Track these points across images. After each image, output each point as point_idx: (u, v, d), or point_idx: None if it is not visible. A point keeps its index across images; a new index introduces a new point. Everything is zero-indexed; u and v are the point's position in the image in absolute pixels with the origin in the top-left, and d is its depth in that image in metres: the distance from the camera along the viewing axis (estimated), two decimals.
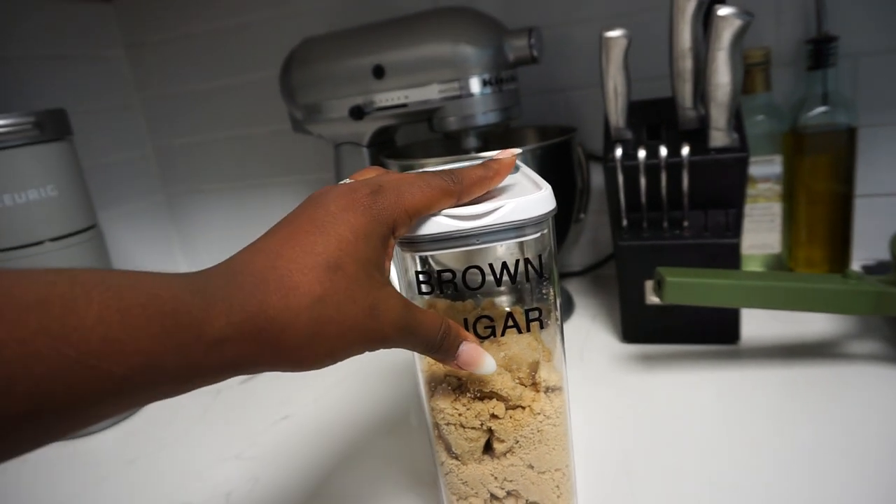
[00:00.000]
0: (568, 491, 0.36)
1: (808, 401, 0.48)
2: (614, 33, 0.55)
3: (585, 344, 0.62)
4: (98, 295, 0.20)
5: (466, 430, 0.33)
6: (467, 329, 0.32)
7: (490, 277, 0.32)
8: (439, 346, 0.29)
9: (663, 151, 0.55)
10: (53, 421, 0.19)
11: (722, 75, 0.52)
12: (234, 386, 0.65)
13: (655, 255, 0.56)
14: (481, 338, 0.33)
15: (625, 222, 0.59)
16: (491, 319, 0.33)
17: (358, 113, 0.65)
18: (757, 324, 0.59)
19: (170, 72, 0.94)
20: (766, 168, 0.66)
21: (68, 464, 0.56)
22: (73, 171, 0.60)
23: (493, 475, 0.34)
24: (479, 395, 0.33)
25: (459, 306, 0.35)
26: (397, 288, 0.31)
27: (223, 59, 0.91)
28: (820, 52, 0.61)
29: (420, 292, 0.33)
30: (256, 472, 0.50)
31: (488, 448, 0.34)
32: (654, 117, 0.60)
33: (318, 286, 0.25)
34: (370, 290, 0.26)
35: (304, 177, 0.93)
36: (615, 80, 0.57)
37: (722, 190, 0.56)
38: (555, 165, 0.64)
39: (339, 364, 0.27)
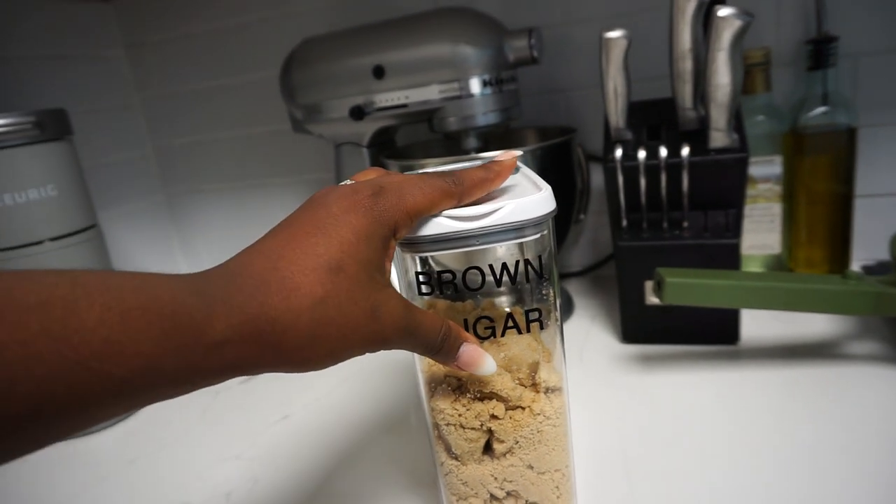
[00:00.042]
0: (568, 491, 0.36)
1: (808, 401, 0.48)
2: (614, 34, 0.55)
3: (585, 344, 0.62)
4: (99, 297, 0.20)
5: (466, 430, 0.33)
6: (467, 330, 0.32)
7: (490, 278, 0.32)
8: (440, 348, 0.30)
9: (663, 152, 0.55)
10: (54, 422, 0.19)
11: (722, 76, 0.52)
12: (234, 386, 0.65)
13: (655, 255, 0.56)
14: (481, 338, 0.33)
15: (625, 223, 0.59)
16: (491, 320, 0.33)
17: (358, 113, 0.65)
18: (757, 324, 0.59)
19: (170, 72, 0.94)
20: (765, 168, 0.66)
21: (68, 464, 0.56)
22: (73, 170, 0.60)
23: (492, 476, 0.34)
24: (478, 395, 0.33)
25: (459, 307, 0.35)
26: (397, 288, 0.31)
27: (223, 59, 0.91)
28: (820, 52, 0.61)
29: (420, 293, 0.33)
30: (256, 472, 0.50)
31: (488, 448, 0.34)
32: (654, 118, 0.60)
33: (319, 287, 0.25)
34: (371, 292, 0.26)
35: (304, 177, 0.93)
36: (615, 81, 0.57)
37: (722, 190, 0.56)
38: (555, 166, 0.64)
39: (340, 364, 0.27)
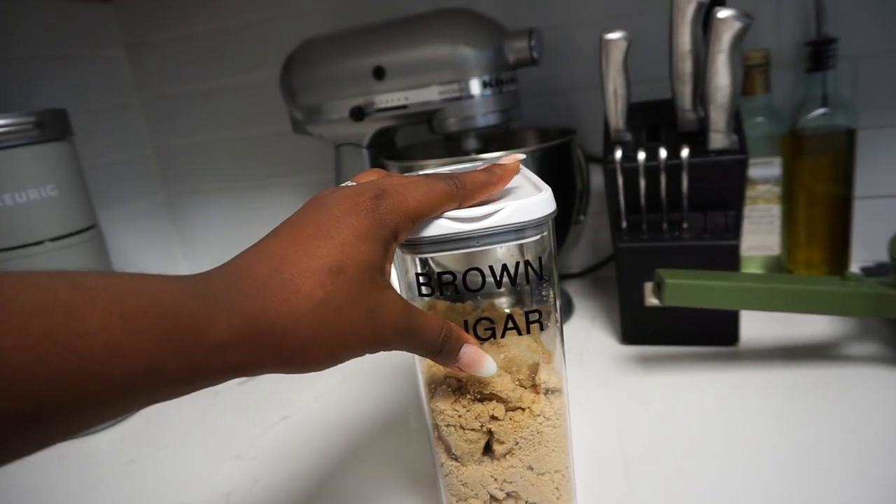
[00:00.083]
0: (567, 492, 0.36)
1: (808, 402, 0.48)
2: (614, 35, 0.55)
3: (585, 345, 0.62)
4: (101, 300, 0.20)
5: (466, 431, 0.33)
6: (467, 331, 0.32)
7: (490, 279, 0.32)
8: (440, 350, 0.30)
9: (663, 153, 0.55)
10: (54, 423, 0.19)
11: (721, 77, 0.52)
12: (234, 387, 0.65)
13: (655, 256, 0.56)
14: (481, 339, 0.33)
15: (624, 224, 0.59)
16: (491, 321, 0.33)
17: (358, 114, 0.66)
18: (756, 325, 0.59)
19: (170, 72, 0.94)
20: (765, 170, 0.66)
21: (67, 464, 0.56)
22: (73, 171, 0.60)
23: (492, 477, 0.34)
24: (478, 396, 0.33)
25: (459, 308, 0.35)
26: (397, 289, 0.31)
27: (223, 59, 0.91)
28: (819, 53, 0.61)
29: (420, 294, 0.33)
30: (256, 472, 0.50)
31: (488, 449, 0.34)
32: (653, 119, 0.60)
33: (320, 290, 0.25)
34: (371, 294, 0.26)
35: (304, 177, 0.93)
36: (615, 82, 0.57)
37: (721, 192, 0.56)
38: (554, 167, 0.64)
39: (340, 365, 0.27)
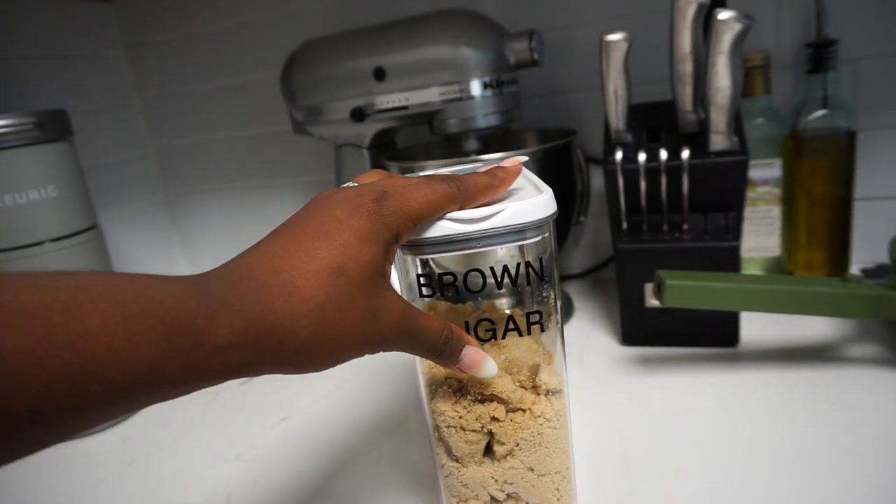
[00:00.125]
0: (568, 493, 0.36)
1: (808, 404, 0.48)
2: (615, 36, 0.55)
3: (585, 346, 0.62)
4: (102, 302, 0.20)
5: (467, 432, 0.33)
6: (468, 332, 0.32)
7: (491, 280, 0.32)
8: (441, 351, 0.30)
9: (663, 154, 0.55)
10: (54, 424, 0.19)
11: (722, 79, 0.52)
12: (234, 387, 0.65)
13: (655, 257, 0.56)
14: (482, 341, 0.33)
15: (625, 225, 0.59)
16: (492, 322, 0.33)
17: (359, 115, 0.65)
18: (756, 327, 0.59)
19: (170, 72, 0.94)
20: (765, 171, 0.66)
21: (68, 464, 0.56)
22: (73, 171, 0.60)
23: (493, 478, 0.34)
24: (479, 397, 0.33)
25: (460, 309, 0.35)
26: (398, 290, 0.31)
27: (223, 59, 0.91)
28: (819, 55, 0.61)
29: (421, 295, 0.33)
30: (256, 473, 0.50)
31: (489, 451, 0.34)
32: (654, 120, 0.60)
33: (320, 291, 0.25)
34: (372, 295, 0.26)
35: (304, 178, 0.93)
36: (615, 84, 0.57)
37: (722, 193, 0.56)
38: (555, 168, 0.64)
39: (340, 366, 0.27)
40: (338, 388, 0.62)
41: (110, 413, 0.21)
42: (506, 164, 0.33)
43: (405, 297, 0.34)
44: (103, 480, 0.53)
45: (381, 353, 0.28)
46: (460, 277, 0.32)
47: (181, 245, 1.05)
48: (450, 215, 0.30)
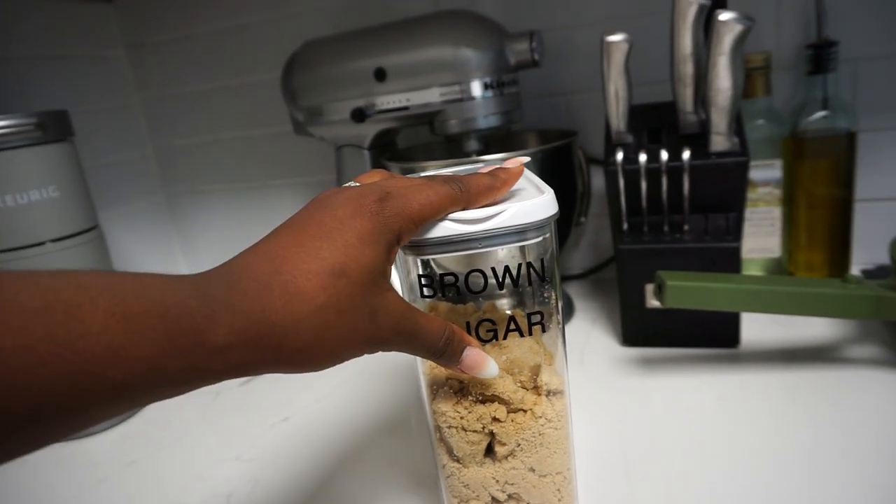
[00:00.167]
0: (569, 494, 0.36)
1: (808, 404, 0.48)
2: (616, 37, 0.55)
3: (586, 347, 0.62)
4: (103, 302, 0.20)
5: (468, 433, 0.33)
6: (469, 332, 0.32)
7: (492, 281, 0.32)
8: (443, 352, 0.30)
9: (664, 155, 0.55)
10: (54, 423, 0.20)
11: (723, 80, 0.52)
12: (234, 387, 0.65)
13: (656, 258, 0.56)
14: (483, 341, 0.33)
15: (625, 226, 0.59)
16: (493, 323, 0.33)
17: (359, 115, 0.66)
18: (757, 328, 0.59)
19: (170, 72, 0.94)
20: (766, 172, 0.66)
21: (68, 465, 0.56)
22: (74, 172, 0.60)
23: (494, 478, 0.34)
24: (480, 398, 0.33)
25: (461, 309, 0.35)
26: (399, 290, 0.31)
27: (224, 59, 0.91)
28: (820, 56, 0.61)
29: (422, 295, 0.33)
30: (256, 473, 0.50)
31: (490, 451, 0.34)
32: (654, 121, 0.60)
33: (321, 293, 0.25)
34: (372, 296, 0.26)
35: (304, 179, 0.93)
36: (616, 84, 0.57)
37: (722, 194, 0.56)
38: (556, 169, 0.64)
39: (341, 366, 0.27)
40: (338, 388, 0.62)
41: (110, 411, 0.21)
42: (508, 164, 0.33)
43: (406, 297, 0.34)
44: (103, 481, 0.53)
45: (383, 353, 0.28)
46: (461, 278, 0.32)
47: (181, 245, 1.05)
48: (451, 216, 0.30)
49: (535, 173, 0.36)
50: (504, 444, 0.33)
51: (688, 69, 0.55)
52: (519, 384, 0.33)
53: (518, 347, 0.33)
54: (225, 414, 0.61)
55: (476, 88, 0.62)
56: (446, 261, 0.32)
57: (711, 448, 0.44)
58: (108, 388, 0.20)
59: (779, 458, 0.42)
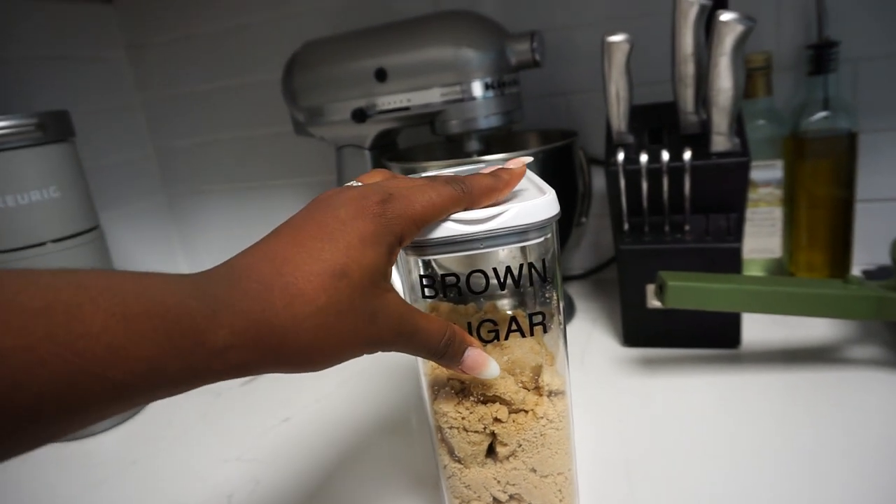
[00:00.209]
0: (570, 495, 0.36)
1: (809, 405, 0.48)
2: (616, 38, 0.55)
3: (586, 347, 0.62)
4: (104, 302, 0.20)
5: (469, 433, 0.33)
6: (470, 333, 0.32)
7: (494, 281, 0.32)
8: (443, 352, 0.30)
9: (665, 156, 0.55)
10: (54, 422, 0.20)
11: (724, 80, 0.52)
12: (235, 388, 0.65)
13: (657, 258, 0.56)
14: (485, 342, 0.33)
15: (626, 226, 0.59)
16: (494, 323, 0.33)
17: (360, 116, 0.66)
18: (758, 328, 0.59)
19: (171, 73, 0.94)
20: (767, 172, 0.66)
21: (69, 465, 0.56)
22: (75, 172, 0.60)
23: (495, 479, 0.34)
24: (482, 398, 0.33)
25: (462, 310, 0.35)
26: (400, 290, 0.31)
27: (224, 60, 0.91)
28: (821, 57, 0.61)
29: (424, 296, 0.33)
30: (257, 473, 0.50)
31: (491, 452, 0.34)
32: (655, 121, 0.60)
33: (322, 294, 0.25)
34: (372, 298, 0.26)
35: (305, 179, 0.93)
36: (617, 85, 0.57)
37: (723, 194, 0.56)
38: (556, 169, 0.64)
39: (341, 366, 0.27)
40: (339, 389, 0.62)
41: (110, 411, 0.21)
42: (510, 164, 0.33)
43: (408, 297, 0.34)
44: (104, 481, 0.53)
45: (384, 353, 0.28)
46: (463, 278, 0.32)
47: (182, 245, 1.05)
48: (453, 216, 0.30)
49: (536, 173, 0.36)
50: (505, 445, 0.33)
51: (689, 69, 0.55)
52: (520, 385, 0.33)
53: (519, 348, 0.33)
54: (226, 414, 0.61)
55: (477, 89, 0.62)
56: (448, 261, 0.32)
57: (712, 448, 0.44)
58: (108, 387, 0.20)
59: (780, 459, 0.42)
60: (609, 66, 0.56)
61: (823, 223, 0.65)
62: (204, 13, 0.89)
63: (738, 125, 0.55)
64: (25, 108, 0.77)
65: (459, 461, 0.34)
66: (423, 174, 0.37)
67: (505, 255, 0.32)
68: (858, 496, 0.38)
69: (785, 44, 0.67)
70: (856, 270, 0.68)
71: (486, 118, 0.63)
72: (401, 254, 0.31)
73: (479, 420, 0.33)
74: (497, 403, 0.33)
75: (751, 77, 0.64)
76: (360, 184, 0.30)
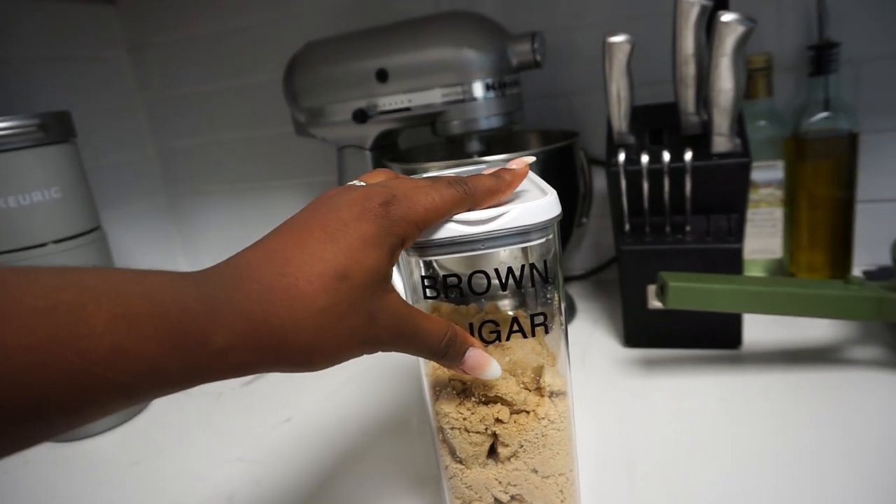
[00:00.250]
0: (572, 495, 0.36)
1: (810, 406, 0.48)
2: (617, 38, 0.55)
3: (587, 348, 0.62)
4: (107, 303, 0.20)
5: (471, 434, 0.33)
6: (472, 333, 0.32)
7: (495, 282, 0.32)
8: (445, 353, 0.30)
9: (666, 156, 0.55)
10: (55, 421, 0.20)
11: (725, 81, 0.52)
12: (237, 388, 0.65)
13: (657, 259, 0.56)
14: (486, 342, 0.33)
15: (627, 227, 0.59)
16: (496, 324, 0.33)
17: (361, 116, 0.66)
18: (759, 329, 0.59)
19: (172, 73, 0.95)
20: (767, 173, 0.66)
21: (70, 466, 0.56)
22: (77, 173, 0.60)
23: (497, 479, 0.34)
24: (483, 399, 0.33)
25: (463, 310, 0.35)
26: (401, 291, 0.31)
27: (225, 60, 0.91)
28: (821, 57, 0.61)
29: (425, 296, 0.33)
30: (259, 474, 0.50)
31: (492, 452, 0.34)
32: (656, 122, 0.60)
33: (323, 296, 0.25)
34: (373, 299, 0.26)
35: (306, 179, 0.93)
36: (618, 85, 0.57)
37: (724, 195, 0.56)
38: (557, 170, 0.64)
39: (342, 366, 0.27)
40: (340, 389, 0.62)
41: (109, 409, 0.21)
42: (513, 164, 0.33)
43: (409, 298, 0.34)
44: (105, 482, 0.53)
45: (385, 354, 0.29)
46: (465, 279, 0.32)
47: (182, 246, 1.05)
48: (455, 217, 0.30)
49: (537, 174, 0.36)
50: (507, 446, 0.33)
51: (690, 70, 0.55)
52: (522, 385, 0.33)
53: (521, 348, 0.33)
54: (227, 415, 0.61)
55: (478, 89, 0.62)
56: (449, 262, 0.32)
57: (713, 449, 0.44)
58: (109, 387, 0.20)
59: (781, 459, 0.42)
60: (610, 66, 0.56)
61: (824, 224, 0.65)
62: (205, 13, 0.89)
63: (738, 126, 0.55)
64: (26, 109, 0.77)
65: (461, 462, 0.35)
66: (425, 175, 0.37)
67: (506, 256, 0.32)
68: (859, 496, 0.38)
69: (786, 44, 0.67)
70: (856, 271, 0.68)
71: (487, 119, 0.63)
72: (402, 254, 0.31)
73: (480, 421, 0.33)
74: (498, 404, 0.33)
75: (752, 78, 0.64)
76: (363, 183, 0.30)
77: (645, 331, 0.60)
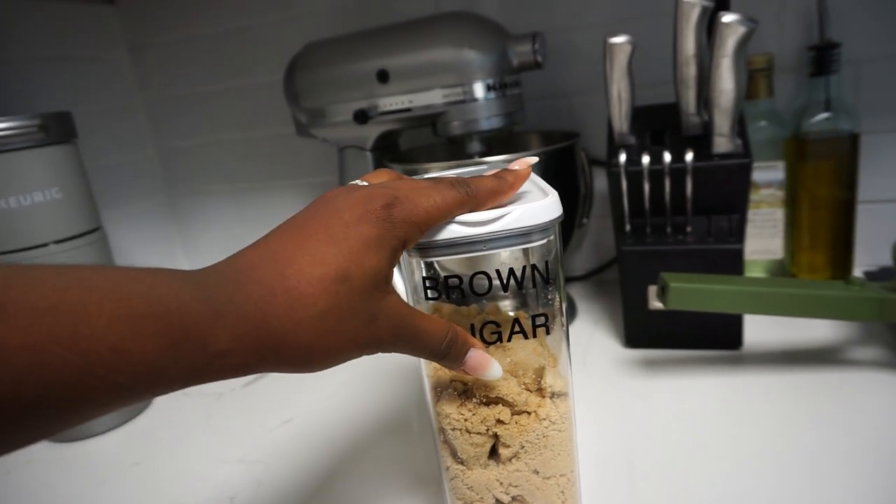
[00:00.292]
0: (573, 496, 0.36)
1: (811, 406, 0.48)
2: (618, 39, 0.55)
3: (588, 349, 0.62)
4: (108, 303, 0.20)
5: (472, 435, 0.33)
6: (473, 334, 0.32)
7: (496, 283, 0.32)
8: (446, 353, 0.30)
9: (667, 157, 0.55)
10: (54, 420, 0.20)
11: (725, 81, 0.52)
12: (237, 389, 0.65)
13: (658, 260, 0.56)
14: (487, 343, 0.33)
15: (628, 227, 0.59)
16: (497, 325, 0.33)
17: (362, 117, 0.66)
18: (759, 329, 0.59)
19: (172, 73, 0.95)
20: (768, 174, 0.66)
21: (71, 466, 0.56)
22: (77, 173, 0.60)
23: (498, 480, 0.34)
24: (484, 400, 0.33)
25: (464, 311, 0.35)
26: (402, 291, 0.31)
27: (225, 61, 0.91)
28: (822, 58, 0.61)
29: (426, 297, 0.33)
30: (260, 475, 0.50)
31: (494, 453, 0.34)
32: (657, 123, 0.60)
33: (323, 298, 0.25)
34: (373, 301, 0.26)
35: (307, 180, 0.93)
36: (619, 86, 0.57)
37: (725, 195, 0.56)
38: (558, 170, 0.64)
39: (343, 367, 0.27)
40: (341, 390, 0.62)
41: (109, 408, 0.21)
42: (515, 165, 0.33)
43: (410, 299, 0.34)
44: (106, 482, 0.53)
45: (386, 354, 0.29)
46: (466, 280, 0.32)
47: (183, 246, 1.05)
48: (456, 218, 0.30)
49: (538, 175, 0.36)
50: (508, 447, 0.33)
51: (691, 71, 0.55)
52: (523, 386, 0.33)
53: (522, 349, 0.33)
54: (228, 415, 0.61)
55: (479, 90, 0.62)
56: (451, 263, 0.32)
57: (714, 449, 0.44)
58: (109, 387, 0.20)
59: (782, 460, 0.42)
60: (611, 67, 0.56)
61: (825, 224, 0.65)
62: (205, 14, 0.89)
63: (739, 126, 0.55)
64: (26, 109, 0.77)
65: (462, 463, 0.34)
66: (427, 176, 0.37)
67: (507, 257, 0.32)
68: (860, 497, 0.38)
69: (786, 45, 0.67)
70: (857, 272, 0.68)
71: (488, 119, 0.63)
72: (404, 255, 0.31)
73: (481, 422, 0.33)
74: (500, 405, 0.33)
75: (752, 78, 0.64)
76: (365, 183, 0.30)
77: (646, 331, 0.60)
